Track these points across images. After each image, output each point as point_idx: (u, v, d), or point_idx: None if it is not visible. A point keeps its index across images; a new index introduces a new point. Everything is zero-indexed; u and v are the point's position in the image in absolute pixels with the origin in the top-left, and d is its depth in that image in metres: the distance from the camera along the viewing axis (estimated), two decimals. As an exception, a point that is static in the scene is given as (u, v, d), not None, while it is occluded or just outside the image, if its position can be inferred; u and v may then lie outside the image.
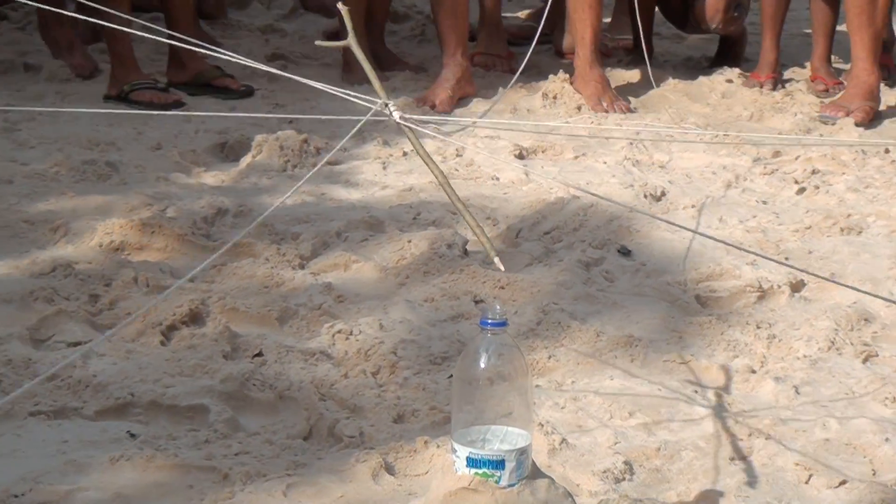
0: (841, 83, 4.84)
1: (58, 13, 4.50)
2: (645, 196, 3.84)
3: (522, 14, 6.24)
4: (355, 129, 2.12)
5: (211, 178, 3.88)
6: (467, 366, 2.25)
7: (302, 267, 3.29)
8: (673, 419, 2.63)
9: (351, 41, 2.37)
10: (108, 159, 3.99)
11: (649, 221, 3.68)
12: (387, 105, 2.16)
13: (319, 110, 4.61)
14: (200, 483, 2.30)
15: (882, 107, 4.66)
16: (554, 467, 2.41)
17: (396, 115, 2.16)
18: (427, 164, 2.15)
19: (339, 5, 2.47)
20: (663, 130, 4.15)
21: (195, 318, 2.94)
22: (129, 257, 3.26)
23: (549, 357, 2.87)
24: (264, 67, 2.75)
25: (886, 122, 4.61)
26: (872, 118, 4.56)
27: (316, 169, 3.59)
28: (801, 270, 3.15)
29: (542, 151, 4.26)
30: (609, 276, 3.30)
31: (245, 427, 2.53)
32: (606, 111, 4.65)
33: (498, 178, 4.00)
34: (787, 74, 5.19)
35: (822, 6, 4.92)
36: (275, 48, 5.31)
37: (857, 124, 4.43)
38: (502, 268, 2.05)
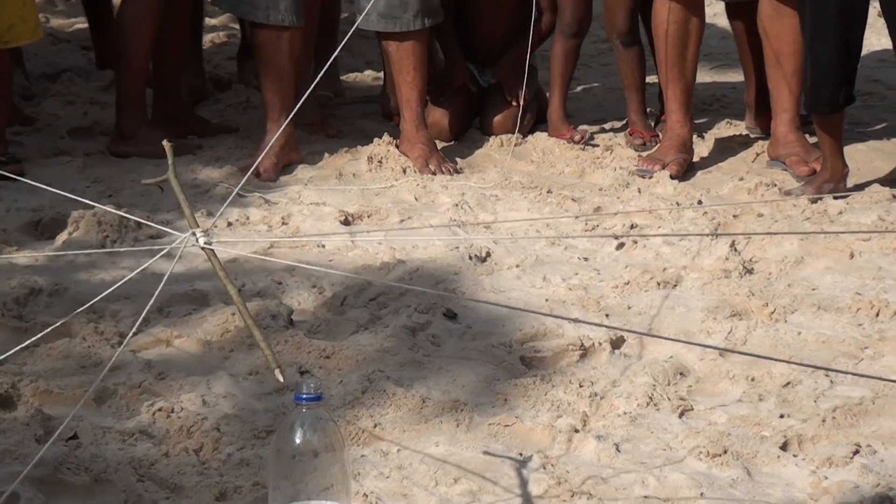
0: (657, 135, 4.95)
1: None
2: (470, 258, 3.86)
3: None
4: (157, 257, 2.16)
5: (24, 257, 3.78)
6: (282, 441, 2.24)
7: (121, 345, 3.23)
8: (498, 483, 2.63)
9: (170, 175, 2.44)
10: None
11: (474, 283, 3.70)
12: (194, 234, 2.22)
13: (141, 183, 4.54)
14: (9, 576, 2.22)
15: (695, 158, 4.78)
16: (378, 538, 2.40)
17: (202, 241, 2.22)
18: (224, 283, 2.23)
19: (165, 142, 2.50)
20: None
21: (5, 402, 2.87)
22: (-68, 342, 3.16)
23: (375, 426, 2.86)
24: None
25: (699, 173, 4.72)
26: (686, 170, 4.67)
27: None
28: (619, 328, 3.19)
29: (368, 216, 4.26)
30: (435, 340, 3.31)
31: (59, 514, 2.46)
32: (434, 173, 4.67)
33: (324, 246, 3.99)
34: (607, 127, 5.29)
35: (629, 61, 5.03)
36: (93, 120, 5.22)
37: (672, 177, 4.53)
38: (281, 379, 2.09)
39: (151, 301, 2.62)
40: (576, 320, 3.30)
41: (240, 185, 3.36)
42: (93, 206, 3.80)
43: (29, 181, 3.61)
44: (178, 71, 5.15)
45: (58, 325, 2.79)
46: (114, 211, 3.49)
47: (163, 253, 2.30)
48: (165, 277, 2.78)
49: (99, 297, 2.51)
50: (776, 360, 3.07)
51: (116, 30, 4.93)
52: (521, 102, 5.01)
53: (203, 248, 2.27)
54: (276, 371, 2.07)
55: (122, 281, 2.55)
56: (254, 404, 2.95)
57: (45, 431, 2.75)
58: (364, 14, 4.63)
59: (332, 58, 4.09)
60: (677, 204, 4.26)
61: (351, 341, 3.28)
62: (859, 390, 3.01)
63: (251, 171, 4.31)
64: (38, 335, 2.75)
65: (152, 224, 2.95)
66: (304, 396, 2.22)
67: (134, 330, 2.95)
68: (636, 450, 2.75)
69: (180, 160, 4.80)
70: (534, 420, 2.88)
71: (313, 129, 5.10)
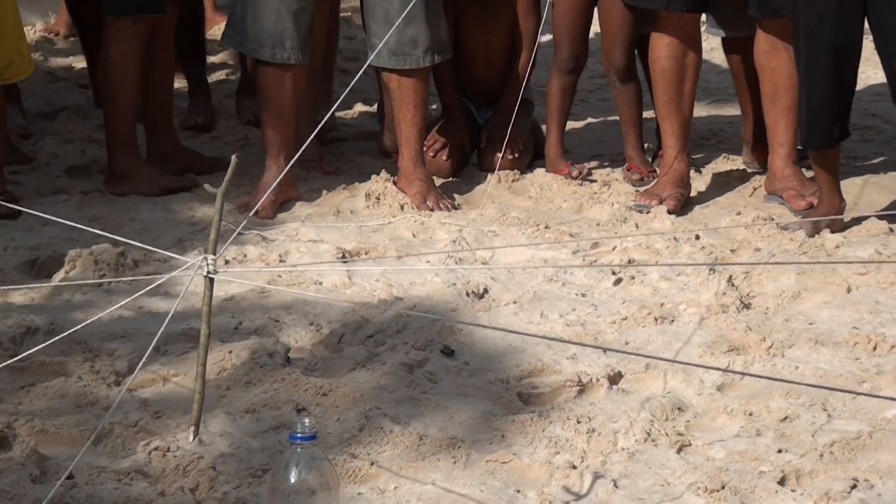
0: (655, 170, 4.95)
1: None
2: (467, 294, 3.85)
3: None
4: (159, 281, 2.17)
5: (20, 296, 3.78)
6: (277, 480, 2.23)
7: (118, 384, 3.22)
8: (495, 520, 2.62)
9: (220, 191, 2.60)
10: None
11: (472, 319, 3.69)
12: (205, 258, 2.27)
13: (139, 221, 4.55)
14: None
15: (693, 192, 4.79)
16: (374, 578, 2.38)
17: (210, 267, 2.27)
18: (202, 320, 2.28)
19: (234, 157, 2.62)
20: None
21: (1, 442, 2.85)
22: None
23: (372, 464, 2.85)
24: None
25: (697, 208, 4.72)
26: (683, 205, 4.67)
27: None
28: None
29: (366, 253, 4.25)
30: (433, 377, 3.30)
31: (54, 556, 2.45)
32: (431, 209, 4.67)
33: (321, 283, 3.98)
34: (604, 163, 5.30)
35: (626, 97, 5.05)
36: (91, 159, 5.23)
37: (669, 212, 4.53)
38: (191, 439, 2.11)
39: (155, 341, 2.62)
40: (580, 344, 3.30)
41: (242, 225, 3.37)
42: (92, 239, 3.80)
43: (32, 211, 3.61)
44: (169, 107, 5.16)
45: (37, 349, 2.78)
46: (122, 241, 3.47)
47: (160, 282, 2.29)
48: (179, 298, 2.80)
49: (85, 323, 2.50)
50: (782, 380, 3.07)
51: (101, 70, 4.94)
52: (514, 156, 5.05)
53: (206, 277, 2.28)
54: (190, 429, 2.13)
55: (130, 299, 2.53)
56: (250, 443, 2.93)
57: (40, 472, 2.74)
58: (374, 50, 4.63)
59: (341, 98, 4.12)
60: (675, 239, 4.27)
61: (348, 378, 3.27)
62: (857, 425, 3.00)
63: (254, 210, 4.32)
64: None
65: (156, 250, 2.95)
66: (299, 436, 2.22)
67: (135, 374, 2.94)
68: (634, 486, 2.74)
69: (176, 198, 4.81)
70: (531, 457, 2.87)
71: (311, 166, 5.10)
